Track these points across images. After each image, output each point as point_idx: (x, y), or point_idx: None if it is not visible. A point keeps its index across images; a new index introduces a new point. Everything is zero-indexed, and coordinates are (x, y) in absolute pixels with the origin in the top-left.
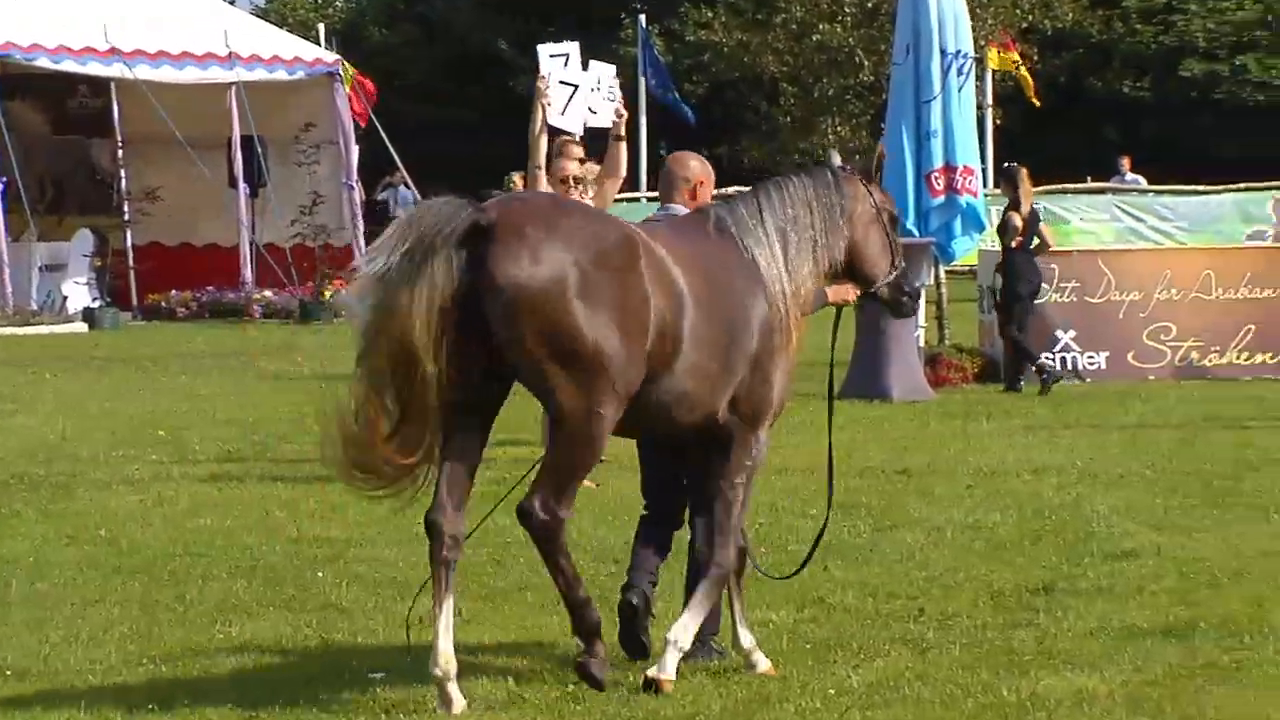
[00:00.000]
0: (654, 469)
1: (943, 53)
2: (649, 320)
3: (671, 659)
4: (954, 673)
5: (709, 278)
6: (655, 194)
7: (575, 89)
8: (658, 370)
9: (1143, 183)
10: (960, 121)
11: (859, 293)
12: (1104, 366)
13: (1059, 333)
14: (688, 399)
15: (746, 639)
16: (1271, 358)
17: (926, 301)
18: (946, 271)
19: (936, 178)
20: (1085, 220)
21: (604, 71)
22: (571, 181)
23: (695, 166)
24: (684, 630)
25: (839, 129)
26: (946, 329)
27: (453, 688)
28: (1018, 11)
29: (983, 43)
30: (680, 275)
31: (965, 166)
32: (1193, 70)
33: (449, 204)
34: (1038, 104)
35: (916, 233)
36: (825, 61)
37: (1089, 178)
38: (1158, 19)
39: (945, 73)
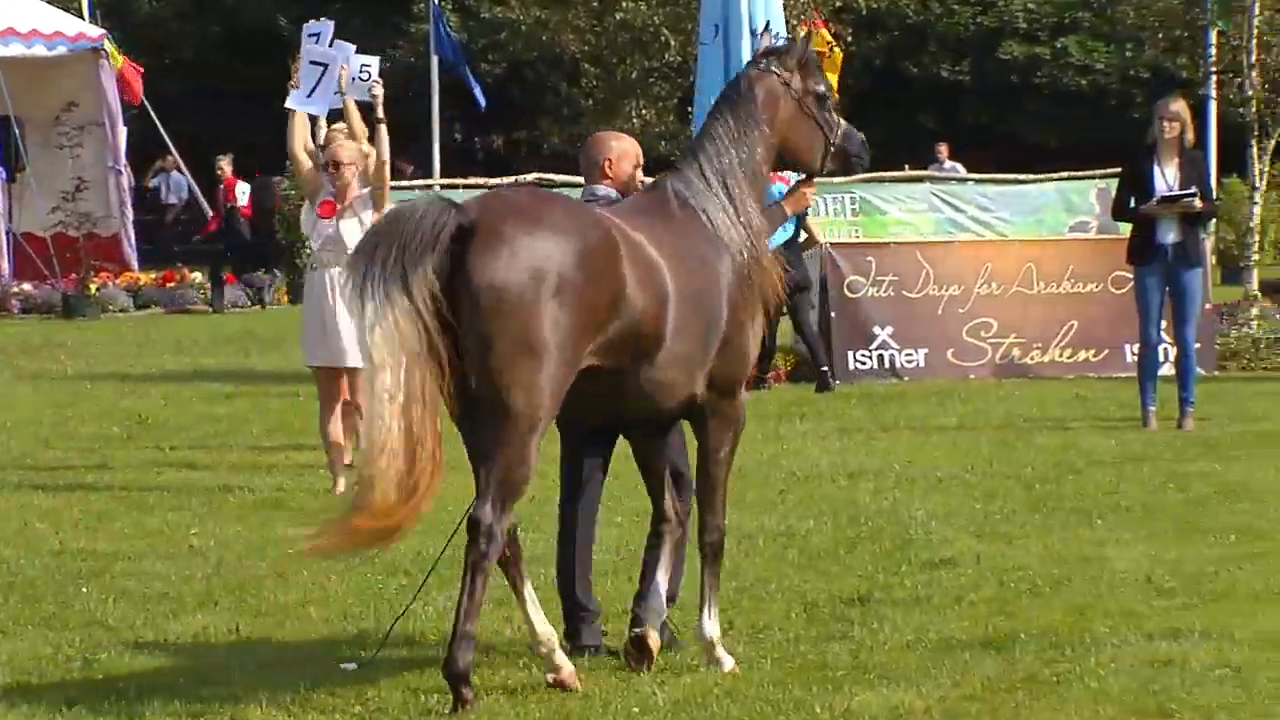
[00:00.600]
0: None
1: (753, 33)
2: (614, 324)
3: (722, 652)
4: (764, 689)
5: (687, 263)
6: (449, 181)
7: (325, 68)
8: (640, 362)
9: (961, 171)
10: None
11: (812, 188)
12: (923, 365)
13: (876, 329)
14: (669, 387)
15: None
16: (1095, 355)
17: None
18: None
19: None
20: (904, 211)
21: (346, 50)
22: (333, 168)
23: (612, 145)
24: (713, 624)
25: (644, 111)
26: None
27: (560, 656)
28: None
29: (794, 23)
30: (665, 268)
31: None
32: (1013, 52)
33: (430, 206)
34: (835, 95)
35: None
36: (629, 41)
37: (906, 165)
38: None
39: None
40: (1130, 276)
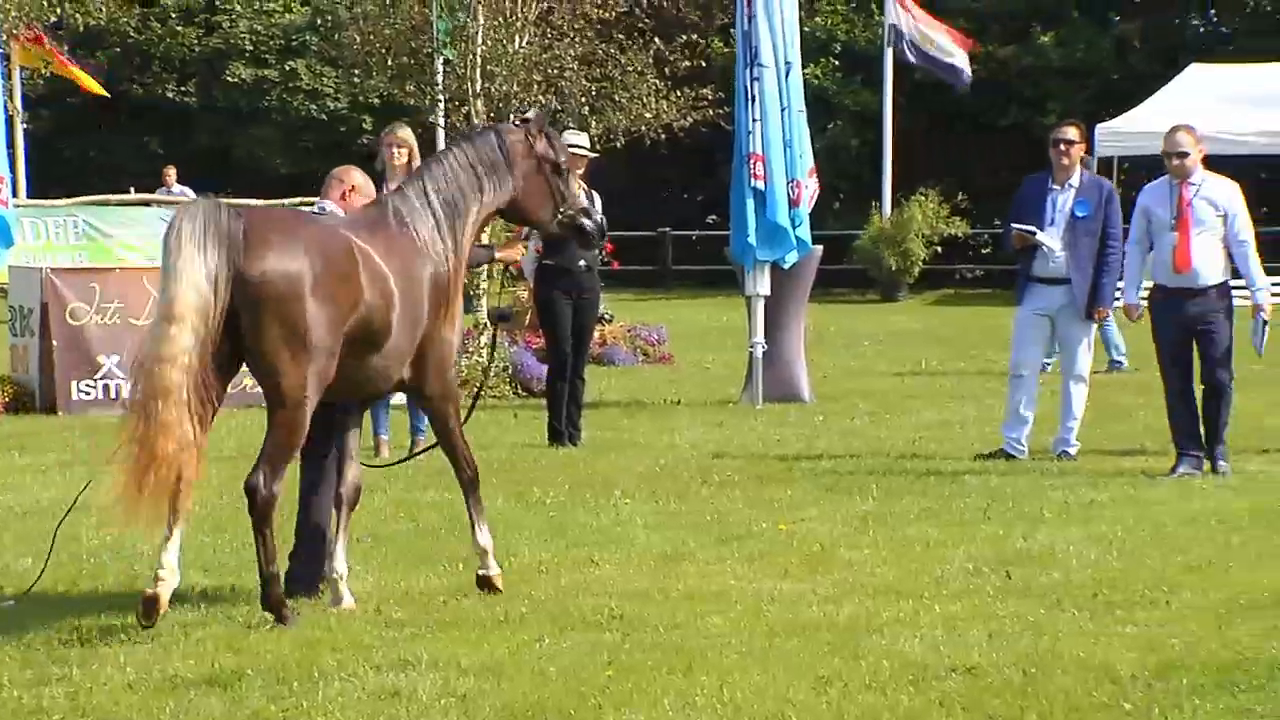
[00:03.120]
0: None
1: None
2: (353, 320)
3: (492, 560)
4: None
5: (403, 274)
6: None
7: None
8: (371, 352)
9: (191, 195)
10: None
11: (524, 253)
12: None
13: (101, 358)
14: (386, 372)
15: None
16: None
17: None
18: None
19: None
20: (131, 235)
21: None
22: None
23: (355, 176)
24: (485, 536)
25: None
26: None
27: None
28: (45, 3)
29: (5, 36)
30: (390, 275)
31: None
32: (240, 75)
33: (229, 209)
34: (103, 93)
35: None
36: None
37: (133, 189)
38: (200, 19)
39: None
40: None
